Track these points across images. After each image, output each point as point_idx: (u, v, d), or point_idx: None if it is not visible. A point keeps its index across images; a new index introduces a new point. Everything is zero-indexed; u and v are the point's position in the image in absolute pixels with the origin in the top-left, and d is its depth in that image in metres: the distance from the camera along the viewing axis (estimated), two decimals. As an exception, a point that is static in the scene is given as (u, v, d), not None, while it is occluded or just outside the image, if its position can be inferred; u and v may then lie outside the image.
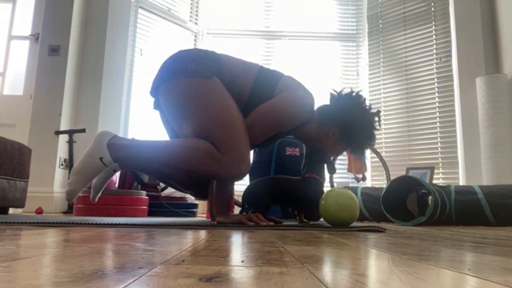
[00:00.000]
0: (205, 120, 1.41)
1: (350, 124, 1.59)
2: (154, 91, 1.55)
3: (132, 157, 1.41)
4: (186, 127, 1.46)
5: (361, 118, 1.60)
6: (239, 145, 1.40)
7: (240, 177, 1.43)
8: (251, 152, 2.73)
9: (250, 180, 2.73)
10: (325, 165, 1.65)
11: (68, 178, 1.43)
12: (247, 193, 1.70)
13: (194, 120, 1.43)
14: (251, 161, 2.70)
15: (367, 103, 1.64)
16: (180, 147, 1.39)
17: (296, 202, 1.66)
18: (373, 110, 1.64)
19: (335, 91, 1.66)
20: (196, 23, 4.40)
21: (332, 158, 1.69)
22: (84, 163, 1.39)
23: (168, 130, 1.66)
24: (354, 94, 1.63)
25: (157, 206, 2.84)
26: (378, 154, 3.54)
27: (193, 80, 1.43)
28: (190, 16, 4.38)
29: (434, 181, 3.46)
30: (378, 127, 1.65)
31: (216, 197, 1.50)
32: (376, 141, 4.05)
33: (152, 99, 1.62)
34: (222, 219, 1.44)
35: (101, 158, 1.38)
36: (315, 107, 1.64)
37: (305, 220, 1.73)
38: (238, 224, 1.37)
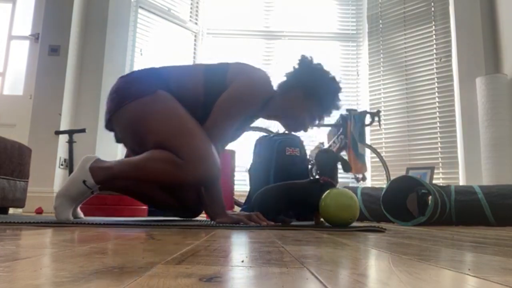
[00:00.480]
0: (160, 134, 1.44)
1: (309, 82, 1.64)
2: (109, 125, 1.58)
3: (112, 177, 1.44)
4: (148, 147, 1.48)
5: (318, 73, 1.66)
6: (197, 148, 1.41)
7: (209, 178, 1.44)
8: (253, 149, 2.73)
9: (250, 180, 2.72)
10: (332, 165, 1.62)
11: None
12: (259, 200, 1.64)
13: (151, 138, 1.46)
14: (252, 160, 2.69)
15: (315, 61, 1.70)
16: (144, 160, 1.42)
17: (313, 208, 1.57)
18: (322, 65, 1.70)
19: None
20: (196, 23, 4.40)
21: (309, 122, 1.70)
22: (68, 187, 1.44)
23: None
24: (300, 58, 1.69)
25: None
26: (378, 154, 3.54)
27: (138, 101, 1.47)
28: (190, 16, 4.38)
29: (434, 181, 3.46)
30: (338, 79, 1.69)
31: (207, 201, 1.50)
32: (376, 141, 4.07)
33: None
34: (221, 219, 1.44)
35: (84, 181, 1.43)
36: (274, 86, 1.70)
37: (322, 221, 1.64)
38: (238, 224, 1.36)
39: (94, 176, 1.43)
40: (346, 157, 3.48)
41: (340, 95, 1.70)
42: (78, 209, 1.64)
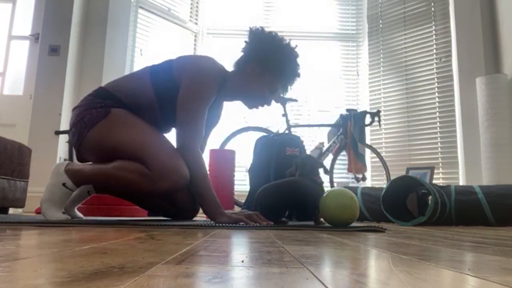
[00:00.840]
0: (126, 150, 1.45)
1: (263, 52, 1.60)
2: (81, 159, 1.60)
3: (86, 180, 1.47)
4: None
5: (270, 41, 1.61)
6: (163, 159, 1.43)
7: (176, 188, 1.44)
8: (253, 149, 2.72)
9: (250, 180, 2.72)
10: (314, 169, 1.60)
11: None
12: (261, 199, 1.56)
13: (119, 155, 1.47)
14: (252, 160, 2.69)
15: (269, 31, 1.64)
16: (114, 168, 1.44)
17: (313, 207, 1.53)
18: (275, 33, 1.63)
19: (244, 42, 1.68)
20: (196, 23, 4.40)
21: (269, 98, 1.65)
22: (50, 192, 1.45)
23: None
24: (250, 31, 1.65)
25: (157, 206, 2.83)
26: (378, 154, 3.54)
27: (95, 128, 1.49)
28: (190, 16, 4.38)
29: (434, 181, 3.46)
30: (295, 48, 1.62)
31: (201, 203, 1.49)
32: (376, 141, 4.07)
33: None
34: (221, 219, 1.44)
35: (63, 184, 1.45)
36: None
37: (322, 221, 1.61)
38: (238, 224, 1.36)
39: (70, 178, 1.46)
40: (346, 157, 3.48)
41: (298, 60, 1.64)
42: (76, 210, 1.66)
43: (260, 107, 1.70)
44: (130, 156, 1.45)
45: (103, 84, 3.60)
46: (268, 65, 1.60)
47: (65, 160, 3.40)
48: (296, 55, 1.63)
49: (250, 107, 1.69)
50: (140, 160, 1.44)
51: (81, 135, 1.51)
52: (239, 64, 1.65)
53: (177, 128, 1.52)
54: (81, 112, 1.53)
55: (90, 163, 1.57)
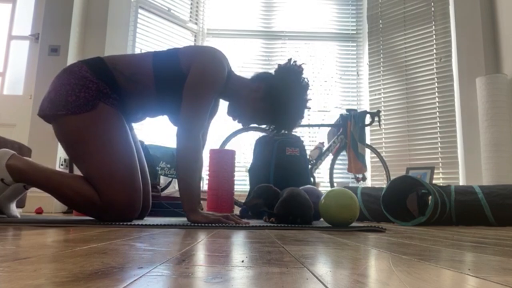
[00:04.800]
0: (87, 167, 1.40)
1: (278, 91, 1.54)
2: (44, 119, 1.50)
3: (32, 183, 1.41)
4: (74, 164, 1.46)
5: (291, 87, 1.54)
6: (118, 195, 1.38)
7: (125, 220, 1.42)
8: (253, 149, 2.72)
9: (250, 180, 2.72)
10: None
11: None
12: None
13: (78, 163, 1.43)
14: (252, 160, 2.70)
15: (303, 75, 1.57)
16: (64, 185, 1.38)
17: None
18: (306, 83, 1.57)
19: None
20: (196, 23, 4.40)
21: (249, 120, 1.61)
22: None
23: None
24: (291, 63, 1.58)
25: (157, 206, 2.84)
26: (378, 154, 3.54)
27: (74, 117, 1.39)
28: (190, 16, 4.38)
29: (434, 181, 3.46)
30: (308, 106, 1.58)
31: (180, 195, 1.43)
32: (376, 141, 4.07)
33: None
34: (195, 218, 1.38)
35: (2, 180, 1.38)
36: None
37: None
38: (216, 224, 1.32)
39: (11, 175, 1.38)
40: (346, 157, 3.48)
41: (299, 121, 1.61)
42: (13, 207, 1.58)
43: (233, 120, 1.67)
44: (89, 174, 1.39)
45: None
46: (272, 100, 1.55)
47: (64, 160, 3.40)
48: (301, 119, 1.59)
49: (229, 113, 1.65)
50: (95, 184, 1.38)
51: (56, 112, 1.40)
52: (256, 75, 1.62)
53: (182, 112, 1.46)
54: (70, 85, 1.41)
55: (31, 159, 1.48)
